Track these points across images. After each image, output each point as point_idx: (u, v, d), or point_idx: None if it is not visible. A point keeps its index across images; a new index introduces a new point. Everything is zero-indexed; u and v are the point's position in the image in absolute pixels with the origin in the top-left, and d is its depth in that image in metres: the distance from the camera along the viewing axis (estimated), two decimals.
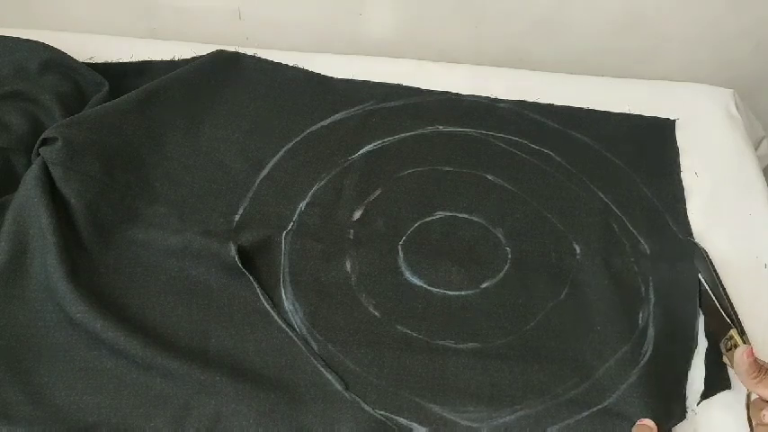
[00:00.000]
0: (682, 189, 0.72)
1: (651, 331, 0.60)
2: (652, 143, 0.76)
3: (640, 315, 0.61)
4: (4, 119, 0.67)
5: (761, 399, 0.53)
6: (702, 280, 0.63)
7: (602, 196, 0.70)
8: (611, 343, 0.59)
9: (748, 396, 0.56)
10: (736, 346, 0.57)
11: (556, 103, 0.79)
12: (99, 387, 0.53)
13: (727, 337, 0.58)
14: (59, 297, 0.56)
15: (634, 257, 0.65)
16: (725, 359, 0.59)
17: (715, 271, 0.63)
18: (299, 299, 0.60)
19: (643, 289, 0.63)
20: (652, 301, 0.62)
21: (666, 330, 0.60)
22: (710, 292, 0.62)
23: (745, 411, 0.55)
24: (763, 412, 0.52)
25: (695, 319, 0.61)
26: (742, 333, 0.58)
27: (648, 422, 0.53)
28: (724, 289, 0.62)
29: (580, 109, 0.78)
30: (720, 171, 0.74)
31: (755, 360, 0.52)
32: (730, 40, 0.84)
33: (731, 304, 0.60)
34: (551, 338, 0.59)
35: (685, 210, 0.70)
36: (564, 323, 0.60)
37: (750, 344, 0.55)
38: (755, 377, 0.52)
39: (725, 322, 0.59)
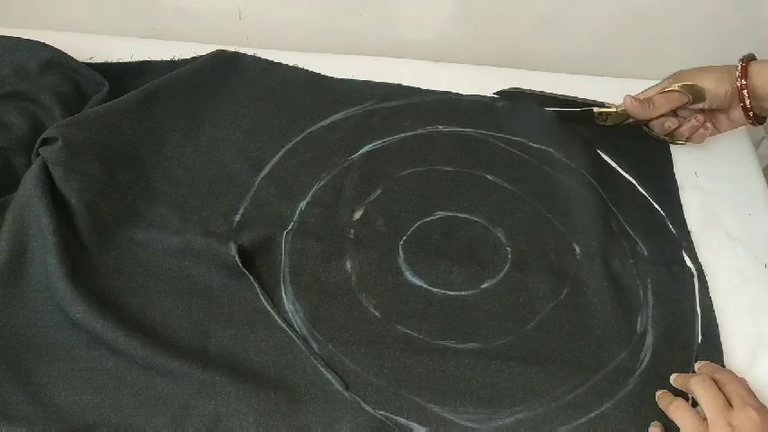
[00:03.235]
0: (676, 188, 0.72)
1: (650, 337, 0.60)
2: (644, 142, 0.76)
3: (639, 319, 0.61)
4: (4, 119, 0.67)
5: (659, 123, 0.68)
6: (546, 110, 0.73)
7: (601, 196, 0.70)
8: (610, 348, 0.59)
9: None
10: (608, 114, 0.70)
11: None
12: (99, 387, 0.53)
13: (596, 116, 0.71)
14: (59, 297, 0.56)
15: (633, 259, 0.65)
16: (605, 123, 0.71)
17: (541, 92, 0.73)
18: (299, 299, 0.60)
19: (642, 292, 0.63)
20: (651, 304, 0.62)
21: (665, 335, 0.60)
22: (555, 111, 0.73)
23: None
24: (667, 124, 0.67)
25: (694, 322, 0.61)
26: (602, 105, 0.70)
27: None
28: (561, 96, 0.72)
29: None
30: (720, 171, 0.74)
31: (638, 101, 0.65)
32: (730, 40, 0.84)
33: (575, 98, 0.72)
34: (551, 339, 0.59)
35: (681, 209, 0.70)
36: (564, 324, 0.60)
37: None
38: (648, 107, 0.65)
39: (585, 112, 0.71)
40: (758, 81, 0.61)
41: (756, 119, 0.64)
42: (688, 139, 0.71)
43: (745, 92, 0.62)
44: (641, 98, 0.65)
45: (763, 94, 0.61)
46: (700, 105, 0.66)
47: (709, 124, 0.67)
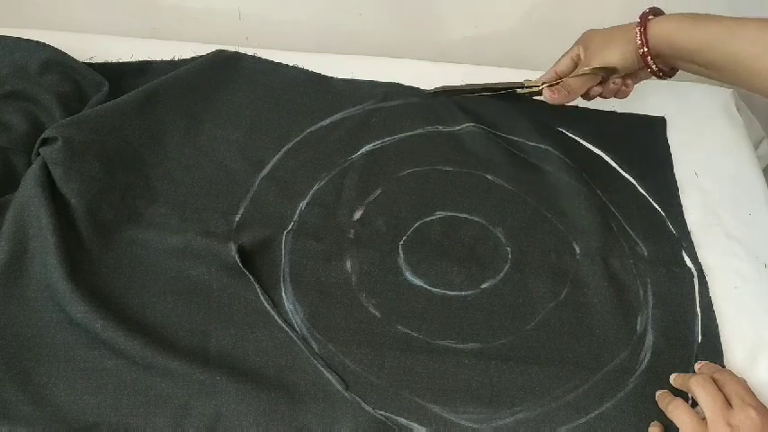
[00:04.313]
0: (676, 188, 0.72)
1: (650, 337, 0.60)
2: (643, 141, 0.76)
3: (639, 319, 0.61)
4: (4, 119, 0.67)
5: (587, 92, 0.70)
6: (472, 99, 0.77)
7: (601, 196, 0.70)
8: (610, 348, 0.59)
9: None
10: (531, 93, 0.73)
11: None
12: (99, 387, 0.53)
13: (521, 94, 0.74)
14: (59, 297, 0.56)
15: (633, 259, 0.65)
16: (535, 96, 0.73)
17: (456, 88, 0.77)
18: (299, 299, 0.60)
19: (642, 292, 0.63)
20: (651, 304, 0.62)
21: (665, 335, 0.60)
22: (481, 95, 0.77)
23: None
24: (592, 93, 0.70)
25: (694, 322, 0.61)
26: (521, 86, 0.73)
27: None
28: (484, 84, 0.77)
29: (576, 107, 0.78)
30: (720, 171, 0.74)
31: (557, 92, 0.68)
32: None
33: (492, 84, 0.76)
34: (551, 339, 0.59)
35: (681, 209, 0.70)
36: (564, 324, 0.60)
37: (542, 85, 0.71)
38: (566, 94, 0.68)
39: (509, 95, 0.75)
40: (660, 44, 0.62)
41: (666, 74, 0.66)
42: (614, 96, 0.72)
43: (648, 58, 0.63)
44: (557, 86, 0.69)
45: (668, 53, 0.62)
46: (615, 76, 0.68)
47: (629, 81, 0.69)
